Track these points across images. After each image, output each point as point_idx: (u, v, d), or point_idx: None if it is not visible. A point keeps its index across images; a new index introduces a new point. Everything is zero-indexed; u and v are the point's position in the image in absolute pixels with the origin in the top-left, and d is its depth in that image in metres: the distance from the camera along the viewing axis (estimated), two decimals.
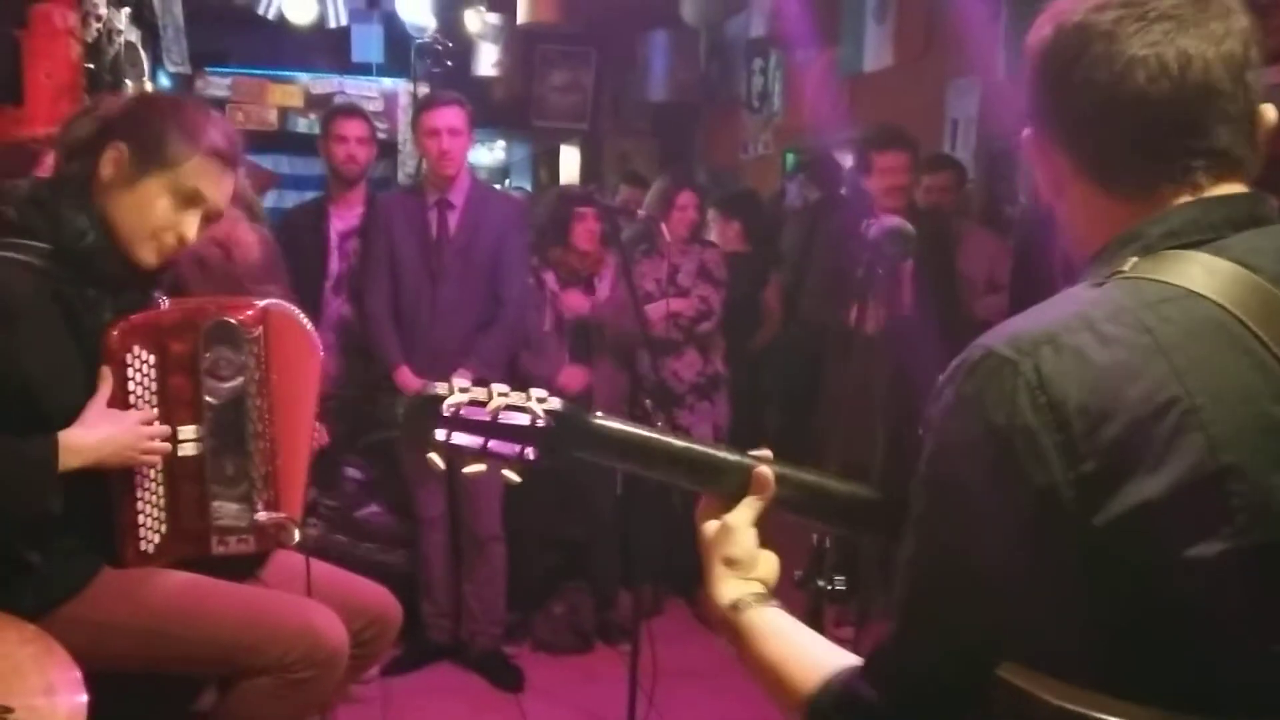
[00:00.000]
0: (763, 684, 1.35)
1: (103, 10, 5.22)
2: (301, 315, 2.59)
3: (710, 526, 1.48)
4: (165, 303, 2.43)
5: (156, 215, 2.26)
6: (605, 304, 4.79)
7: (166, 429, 2.30)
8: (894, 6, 6.24)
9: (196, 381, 2.34)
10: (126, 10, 5.76)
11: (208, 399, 2.35)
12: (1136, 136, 1.15)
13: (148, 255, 2.29)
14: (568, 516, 4.98)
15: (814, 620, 2.21)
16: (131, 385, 2.26)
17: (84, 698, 1.65)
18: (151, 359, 2.28)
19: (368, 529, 4.43)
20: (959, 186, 5.33)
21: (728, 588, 1.43)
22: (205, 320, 2.35)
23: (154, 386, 2.29)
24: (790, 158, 7.88)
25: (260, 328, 2.40)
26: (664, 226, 5.11)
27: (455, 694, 4.33)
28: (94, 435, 2.17)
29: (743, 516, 1.46)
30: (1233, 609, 1.01)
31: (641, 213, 5.16)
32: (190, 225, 2.30)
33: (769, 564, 1.48)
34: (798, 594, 2.21)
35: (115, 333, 2.24)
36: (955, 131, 5.69)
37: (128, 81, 5.65)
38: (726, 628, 1.42)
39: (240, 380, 2.37)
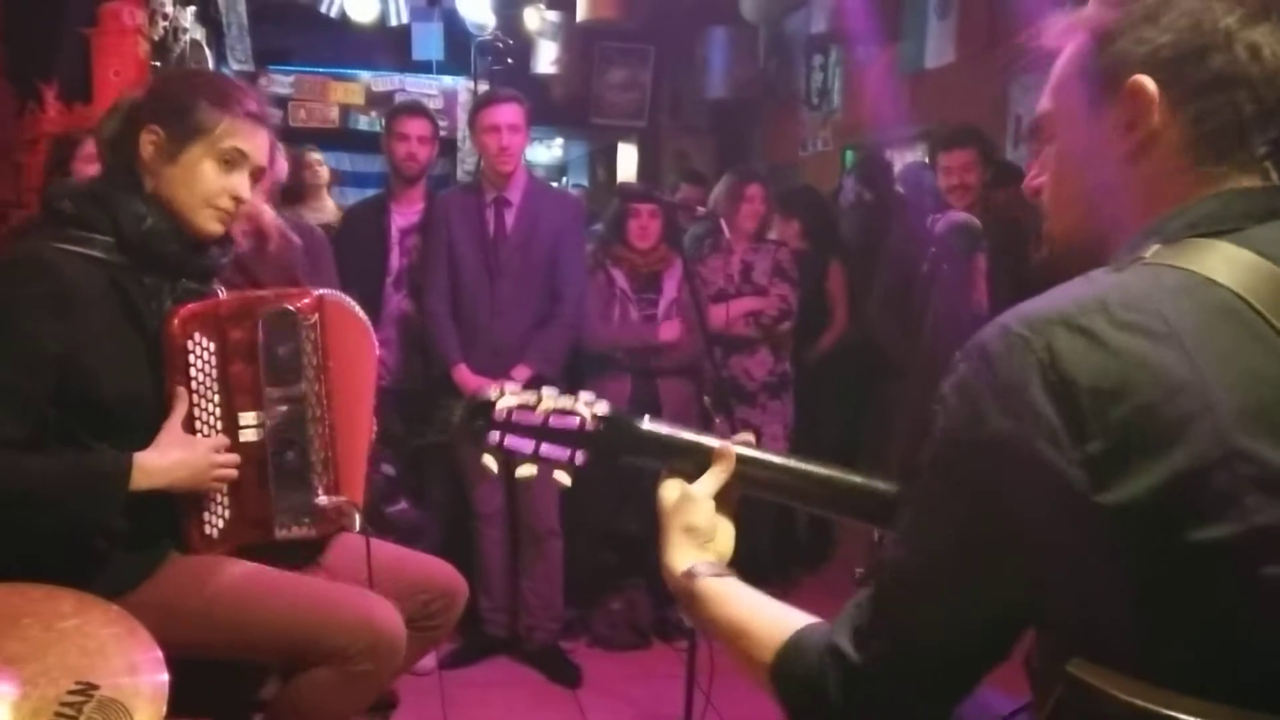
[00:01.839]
0: (727, 649, 1.37)
1: (169, 9, 5.30)
2: (355, 304, 2.63)
3: (670, 496, 1.52)
4: (224, 293, 2.47)
5: (206, 182, 2.31)
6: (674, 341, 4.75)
7: (236, 457, 2.35)
8: (956, 2, 6.19)
9: (256, 368, 2.37)
10: (192, 9, 5.83)
11: (267, 385, 2.38)
12: (1255, 110, 1.14)
13: (209, 223, 2.34)
14: (627, 512, 4.97)
15: None
16: (193, 372, 2.30)
17: (165, 677, 1.69)
18: (212, 346, 2.32)
19: (395, 524, 4.46)
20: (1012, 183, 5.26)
21: (683, 555, 1.48)
22: (264, 308, 2.39)
23: (214, 374, 2.33)
24: (849, 155, 7.84)
25: (316, 315, 2.44)
26: (724, 223, 5.10)
27: (513, 688, 4.35)
28: (167, 459, 2.23)
29: (703, 487, 1.52)
30: (1256, 592, 1.00)
31: (702, 209, 5.14)
32: (241, 185, 2.35)
33: (726, 535, 1.53)
34: (858, 590, 2.21)
35: (176, 320, 2.28)
36: (1019, 128, 5.63)
37: None
38: (683, 595, 1.45)
39: (298, 366, 2.41)
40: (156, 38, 5.10)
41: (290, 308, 2.40)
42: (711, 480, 1.52)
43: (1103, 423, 1.01)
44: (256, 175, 2.40)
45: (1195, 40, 1.14)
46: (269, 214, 3.76)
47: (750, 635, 1.32)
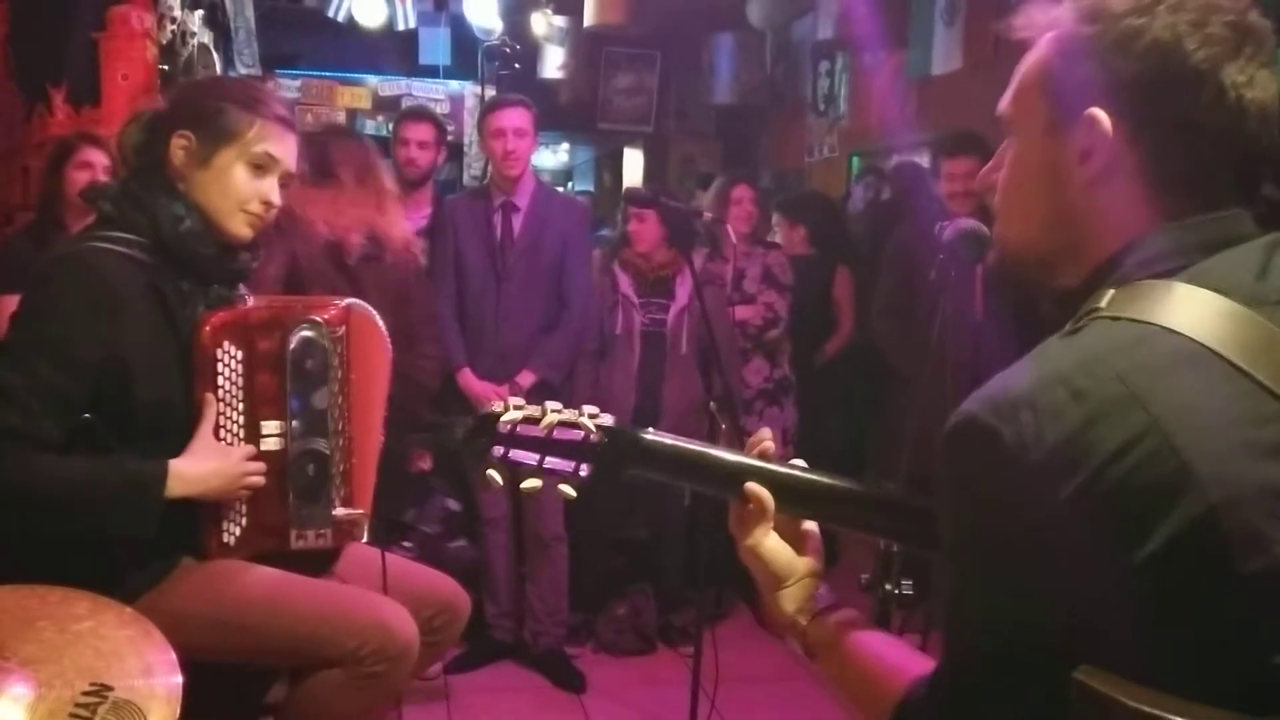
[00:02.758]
0: (839, 695, 1.39)
1: (177, 13, 5.32)
2: (378, 316, 2.64)
3: (745, 558, 1.52)
4: (250, 300, 2.48)
5: (237, 186, 2.33)
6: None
7: (264, 465, 2.35)
8: (963, 9, 6.18)
9: (281, 378, 2.37)
10: (200, 13, 5.85)
11: (291, 396, 2.38)
12: (1215, 156, 1.14)
13: (240, 228, 2.35)
14: (633, 518, 4.98)
15: (879, 626, 2.20)
16: (221, 380, 2.31)
17: (179, 679, 1.69)
18: (239, 355, 2.33)
19: (452, 559, 4.48)
20: None
21: (784, 601, 1.48)
22: (292, 319, 2.39)
23: (241, 383, 2.33)
24: (855, 161, 7.84)
25: (344, 327, 2.44)
26: (729, 228, 5.11)
27: (518, 693, 4.36)
28: (202, 468, 2.25)
29: (758, 538, 1.49)
30: (1272, 632, 1.00)
31: (708, 215, 5.14)
32: (271, 189, 2.36)
33: (806, 562, 1.51)
34: (864, 598, 2.21)
35: (208, 328, 2.29)
36: None
37: None
38: (795, 637, 1.46)
39: (323, 379, 2.41)
40: (164, 41, 5.11)
41: (319, 319, 2.40)
42: (760, 532, 1.50)
43: (1084, 505, 1.01)
44: (285, 179, 2.41)
45: (1162, 78, 1.12)
46: (399, 227, 3.80)
47: (864, 700, 1.33)
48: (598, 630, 4.81)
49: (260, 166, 2.34)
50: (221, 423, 2.32)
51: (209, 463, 2.26)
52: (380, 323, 2.62)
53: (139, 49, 4.73)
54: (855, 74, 7.79)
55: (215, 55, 6.28)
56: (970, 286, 4.33)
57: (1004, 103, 1.29)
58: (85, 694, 1.60)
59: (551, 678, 4.45)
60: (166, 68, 5.07)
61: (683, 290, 4.69)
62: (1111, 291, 1.12)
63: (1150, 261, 1.12)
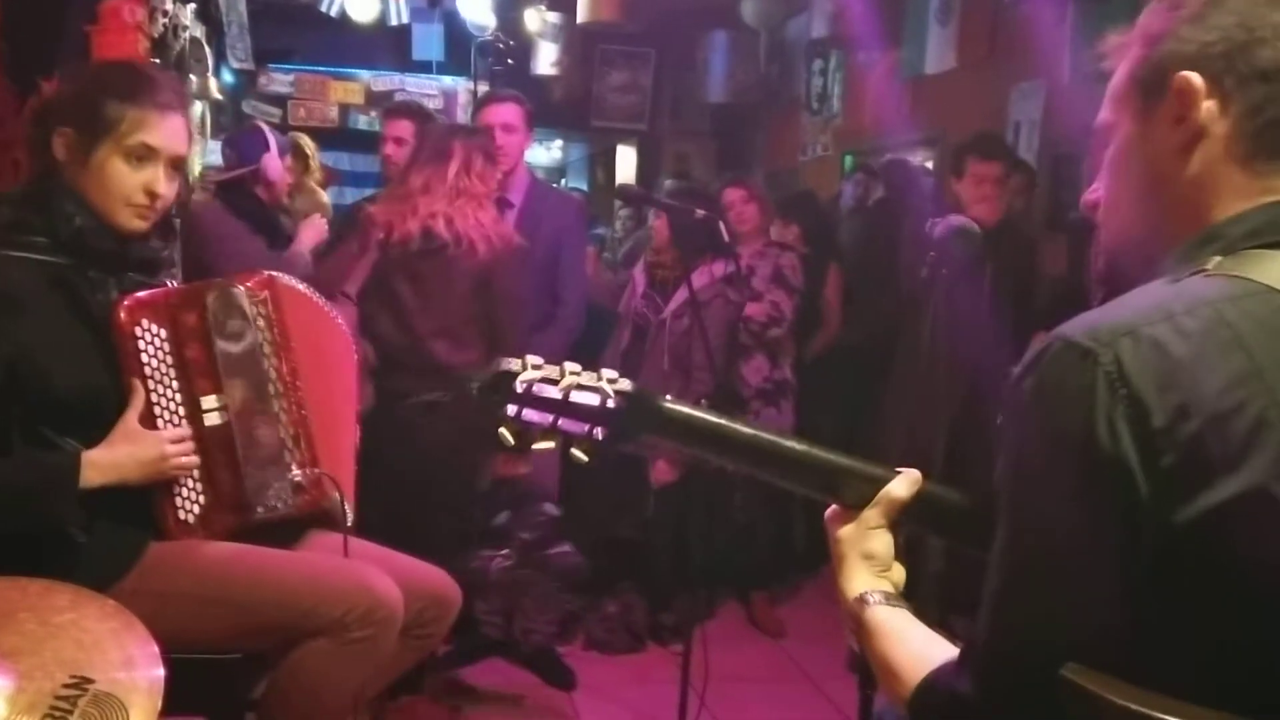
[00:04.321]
0: (879, 677, 1.36)
1: (169, 6, 5.29)
2: (313, 291, 2.66)
3: (845, 524, 1.49)
4: (175, 283, 2.49)
5: (118, 181, 2.30)
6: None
7: (190, 445, 2.33)
8: (957, 8, 6.19)
9: (211, 350, 2.37)
10: (192, 6, 5.83)
11: (224, 366, 2.38)
12: None
13: (129, 221, 2.33)
14: (624, 516, 4.96)
15: None
16: (145, 358, 2.30)
17: (161, 671, 1.69)
18: (163, 332, 2.32)
19: (556, 567, 4.46)
20: (1029, 189, 5.26)
21: (861, 579, 1.45)
22: (210, 289, 2.40)
23: (169, 359, 2.33)
24: (849, 160, 7.84)
25: (266, 292, 2.45)
26: (721, 225, 5.08)
27: (508, 690, 4.34)
28: (115, 454, 2.24)
29: (875, 516, 1.48)
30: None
31: (700, 213, 5.12)
32: (154, 179, 2.33)
33: (900, 572, 1.49)
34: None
35: (123, 310, 2.29)
36: (1018, 135, 5.63)
37: (192, 77, 5.71)
38: (852, 619, 1.43)
39: (254, 344, 2.40)
40: (156, 35, 5.09)
41: (237, 287, 2.41)
42: (883, 510, 1.48)
43: (1172, 437, 1.00)
44: (176, 165, 2.38)
45: (1242, 36, 1.14)
46: (472, 221, 3.68)
47: (896, 674, 1.31)
48: (588, 628, 4.80)
49: (140, 158, 2.31)
50: (157, 402, 2.32)
51: (121, 448, 2.25)
52: (318, 297, 2.66)
53: (130, 42, 4.70)
54: (849, 73, 7.79)
55: (207, 49, 6.27)
56: (965, 284, 4.33)
57: (1101, 115, 1.31)
58: (66, 686, 1.60)
59: (541, 675, 4.42)
60: (158, 61, 5.05)
61: (675, 301, 4.65)
62: (1218, 258, 1.12)
63: (1259, 231, 1.13)
